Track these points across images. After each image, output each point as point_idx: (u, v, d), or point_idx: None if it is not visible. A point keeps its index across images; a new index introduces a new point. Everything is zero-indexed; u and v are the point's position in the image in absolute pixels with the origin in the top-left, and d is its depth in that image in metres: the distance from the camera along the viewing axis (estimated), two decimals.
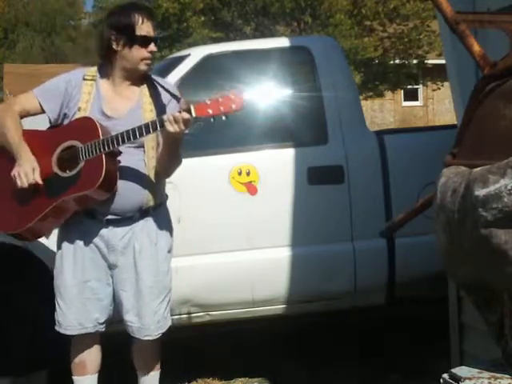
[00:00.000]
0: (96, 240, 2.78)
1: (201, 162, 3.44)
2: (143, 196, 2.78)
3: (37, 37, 31.38)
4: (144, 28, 2.75)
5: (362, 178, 3.60)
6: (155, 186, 2.82)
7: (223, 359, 3.91)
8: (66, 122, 2.81)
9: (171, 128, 2.57)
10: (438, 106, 22.90)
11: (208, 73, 3.60)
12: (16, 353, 3.29)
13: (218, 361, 3.87)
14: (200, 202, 3.44)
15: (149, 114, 2.77)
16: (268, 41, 4.33)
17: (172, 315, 3.00)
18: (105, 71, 2.84)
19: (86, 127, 2.70)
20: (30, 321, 3.29)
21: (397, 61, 16.27)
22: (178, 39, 14.78)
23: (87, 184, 2.63)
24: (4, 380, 3.27)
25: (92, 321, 2.82)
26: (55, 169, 2.70)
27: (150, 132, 2.63)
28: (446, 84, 13.76)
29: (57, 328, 2.84)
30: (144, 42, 2.75)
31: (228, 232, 3.48)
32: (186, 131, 2.62)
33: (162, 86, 2.84)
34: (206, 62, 3.62)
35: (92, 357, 2.90)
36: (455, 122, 3.20)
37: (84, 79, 2.82)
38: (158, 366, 2.97)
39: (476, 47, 2.11)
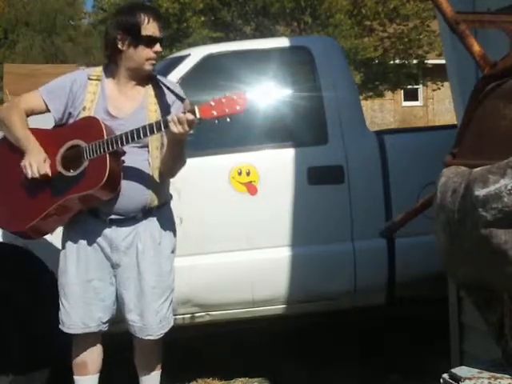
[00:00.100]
0: (99, 239, 2.79)
1: (201, 162, 3.44)
2: (147, 196, 2.79)
3: (37, 37, 31.36)
4: (150, 28, 2.76)
5: (361, 178, 3.60)
6: (159, 186, 2.82)
7: (223, 359, 3.91)
8: (71, 121, 2.82)
9: (175, 129, 2.58)
10: (438, 105, 22.90)
11: (208, 73, 3.60)
12: (16, 353, 3.29)
13: (217, 361, 3.87)
14: (200, 202, 3.44)
15: (153, 115, 2.78)
16: (268, 41, 4.33)
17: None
18: (110, 71, 2.85)
19: (90, 127, 2.71)
20: (30, 321, 3.29)
21: (397, 61, 16.26)
22: (178, 39, 14.77)
23: (91, 183, 2.64)
24: (4, 380, 3.28)
25: (95, 320, 2.82)
26: (59, 168, 2.72)
27: (153, 132, 2.63)
28: (446, 84, 13.76)
29: (60, 327, 2.85)
30: (149, 42, 2.76)
31: (228, 232, 3.48)
32: (191, 132, 2.63)
33: (167, 87, 2.85)
34: (206, 62, 3.62)
35: (93, 357, 2.91)
36: (455, 122, 3.20)
37: (89, 79, 2.83)
38: (160, 366, 2.98)
39: (476, 47, 2.10)
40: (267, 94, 3.69)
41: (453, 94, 3.14)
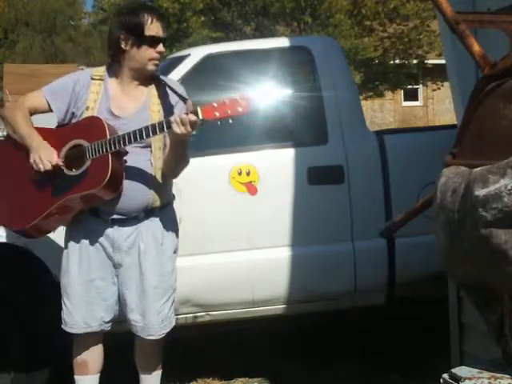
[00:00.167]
0: (101, 239, 2.79)
1: (201, 162, 3.44)
2: (149, 196, 2.79)
3: (37, 37, 31.34)
4: (153, 28, 2.77)
5: (361, 178, 3.60)
6: (161, 186, 2.82)
7: (223, 359, 3.92)
8: (74, 120, 2.83)
9: (178, 130, 2.58)
10: (438, 105, 22.89)
11: (208, 73, 3.60)
12: (16, 352, 3.29)
13: (217, 361, 3.87)
14: (200, 202, 3.44)
15: (156, 115, 2.79)
16: (268, 41, 4.33)
17: None
18: (113, 71, 2.86)
19: (93, 126, 2.71)
20: (30, 321, 3.29)
21: (397, 61, 16.25)
22: (178, 39, 14.77)
23: (93, 183, 2.65)
24: (5, 378, 3.28)
25: (97, 319, 2.83)
26: (62, 167, 2.72)
27: (156, 133, 2.64)
28: (446, 84, 13.76)
29: (63, 326, 2.85)
30: (152, 42, 2.77)
31: (228, 232, 3.48)
32: (194, 132, 2.63)
33: (170, 87, 2.85)
34: (206, 62, 3.62)
35: (94, 356, 2.91)
36: (455, 122, 3.20)
37: (92, 79, 2.84)
38: (160, 365, 2.98)
39: (476, 47, 2.10)
40: (267, 94, 3.68)
41: (453, 94, 3.14)
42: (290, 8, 14.52)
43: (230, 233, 3.48)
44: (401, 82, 16.99)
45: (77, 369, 2.92)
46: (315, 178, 3.54)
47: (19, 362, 3.29)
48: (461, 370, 1.96)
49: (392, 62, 16.20)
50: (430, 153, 3.00)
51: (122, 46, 2.77)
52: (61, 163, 2.71)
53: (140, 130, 2.62)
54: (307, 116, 3.71)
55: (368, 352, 3.97)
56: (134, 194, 2.76)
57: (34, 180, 2.75)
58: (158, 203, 2.82)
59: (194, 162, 3.17)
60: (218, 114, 2.55)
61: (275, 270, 3.52)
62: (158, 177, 2.81)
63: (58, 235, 3.09)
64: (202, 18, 14.77)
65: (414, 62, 16.36)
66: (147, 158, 2.79)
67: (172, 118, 2.60)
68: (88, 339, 2.87)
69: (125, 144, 2.65)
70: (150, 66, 2.80)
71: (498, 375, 1.90)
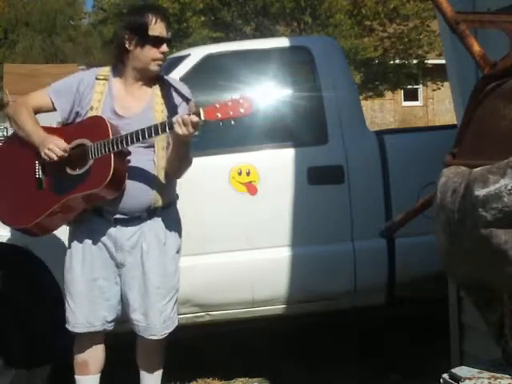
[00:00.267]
0: (104, 239, 2.80)
1: (201, 161, 3.43)
2: (151, 196, 2.79)
3: (37, 37, 31.36)
4: (157, 28, 2.78)
5: (362, 178, 3.60)
6: (164, 186, 2.83)
7: (223, 359, 3.92)
8: (78, 120, 2.84)
9: (180, 130, 2.58)
10: (438, 105, 22.89)
11: (208, 73, 3.60)
12: (16, 352, 3.30)
13: (217, 361, 3.87)
14: (200, 202, 3.44)
15: (160, 115, 2.79)
16: (268, 41, 4.33)
17: None
18: (118, 71, 2.87)
19: (96, 126, 2.72)
20: (30, 321, 3.29)
21: (397, 61, 16.26)
22: (178, 39, 14.77)
23: (95, 182, 2.66)
24: (4, 379, 3.28)
25: (100, 319, 2.83)
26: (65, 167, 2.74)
27: (158, 133, 2.64)
28: (446, 84, 13.76)
29: (66, 326, 2.85)
30: (156, 42, 2.77)
31: (228, 232, 3.48)
32: (196, 133, 2.63)
33: (175, 87, 2.85)
34: (206, 62, 3.62)
35: (95, 356, 2.91)
36: (455, 122, 3.20)
37: (97, 79, 2.85)
38: (162, 366, 2.98)
39: (476, 47, 2.10)
40: (267, 94, 3.68)
41: (453, 94, 3.14)
42: (290, 8, 14.53)
43: (230, 233, 3.48)
44: (401, 81, 17.00)
45: (77, 368, 2.92)
46: (315, 177, 3.54)
47: (19, 361, 3.29)
48: (461, 370, 1.96)
49: (392, 62, 16.22)
50: (430, 153, 3.00)
51: (126, 45, 2.78)
52: (68, 148, 2.72)
53: (142, 131, 2.63)
54: (307, 116, 3.71)
55: (368, 352, 3.97)
56: (137, 193, 2.76)
57: (37, 179, 2.77)
58: (160, 203, 2.83)
59: (194, 162, 3.17)
60: (219, 115, 2.55)
61: (275, 270, 3.52)
62: (161, 177, 2.81)
63: (58, 235, 3.09)
64: (202, 18, 14.78)
65: (414, 62, 16.37)
66: (150, 158, 2.79)
67: (174, 119, 2.60)
68: (90, 339, 2.87)
69: (127, 144, 2.65)
70: (154, 66, 2.80)
71: (498, 375, 1.90)
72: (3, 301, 3.25)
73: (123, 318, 2.88)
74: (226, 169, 3.48)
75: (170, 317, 2.87)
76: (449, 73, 3.17)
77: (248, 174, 3.48)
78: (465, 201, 1.82)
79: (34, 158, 2.79)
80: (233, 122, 2.57)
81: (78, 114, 2.83)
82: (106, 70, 2.89)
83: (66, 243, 2.93)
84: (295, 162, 3.54)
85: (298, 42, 4.15)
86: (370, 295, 3.64)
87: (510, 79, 1.97)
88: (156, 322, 2.82)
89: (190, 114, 2.58)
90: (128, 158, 2.74)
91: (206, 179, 3.48)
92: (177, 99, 2.83)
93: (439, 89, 17.52)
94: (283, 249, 3.53)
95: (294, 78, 3.82)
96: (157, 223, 2.83)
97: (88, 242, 2.80)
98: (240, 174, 3.48)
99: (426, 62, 16.40)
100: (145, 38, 2.76)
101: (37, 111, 2.85)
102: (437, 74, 16.29)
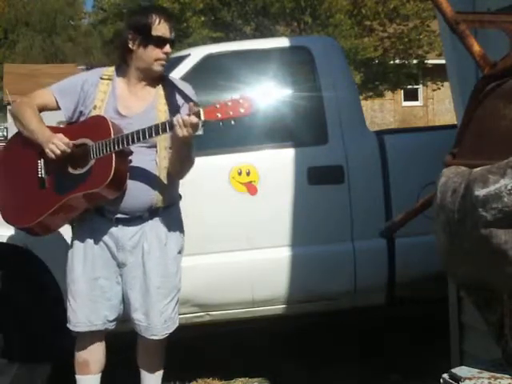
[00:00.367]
0: (105, 238, 2.80)
1: (201, 162, 3.43)
2: (152, 196, 2.80)
3: (37, 37, 31.37)
4: (160, 29, 2.78)
5: (362, 178, 3.60)
6: (166, 186, 2.83)
7: (223, 359, 3.92)
8: (82, 119, 2.85)
9: (180, 131, 2.58)
10: (438, 105, 22.89)
11: (208, 73, 3.60)
12: (16, 352, 3.30)
13: (217, 361, 3.87)
14: (200, 202, 3.44)
15: (163, 115, 2.80)
16: (268, 41, 4.33)
17: None
18: (121, 71, 2.88)
19: (98, 126, 2.73)
20: (30, 320, 3.29)
21: (397, 61, 16.25)
22: (178, 39, 14.75)
23: (96, 182, 2.67)
24: (4, 379, 3.28)
25: (101, 318, 2.83)
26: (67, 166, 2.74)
27: (158, 133, 2.64)
28: (446, 84, 13.75)
29: (67, 325, 2.85)
30: (159, 42, 2.78)
31: (228, 232, 3.48)
32: (199, 132, 2.63)
33: (178, 88, 2.85)
34: (206, 62, 3.62)
35: (96, 356, 2.91)
36: (455, 122, 3.20)
37: (101, 78, 2.86)
38: (162, 366, 2.98)
39: (476, 47, 2.10)
40: (267, 94, 3.68)
41: (453, 94, 3.14)
42: (290, 8, 14.52)
43: (230, 233, 3.48)
44: (401, 82, 16.99)
45: (78, 368, 2.92)
46: (315, 177, 3.54)
47: (19, 361, 3.29)
48: (461, 370, 1.96)
49: (392, 62, 16.20)
50: (430, 153, 3.00)
51: (130, 45, 2.79)
52: (72, 144, 2.72)
53: (143, 130, 2.63)
54: (307, 116, 3.71)
55: (368, 352, 3.97)
56: (138, 193, 2.76)
57: (39, 178, 2.78)
58: (161, 203, 2.83)
59: (194, 162, 3.17)
60: (219, 115, 2.55)
61: (275, 270, 3.52)
62: (163, 177, 2.81)
63: (58, 235, 3.09)
64: (202, 18, 14.76)
65: (414, 62, 16.36)
66: (152, 158, 2.79)
67: (174, 119, 2.60)
68: (91, 338, 2.87)
69: (128, 144, 2.65)
70: (157, 67, 2.81)
71: (498, 375, 1.90)
72: (3, 301, 3.26)
73: (125, 318, 2.88)
74: (226, 169, 3.48)
75: (171, 317, 2.87)
76: (449, 73, 3.17)
77: (248, 174, 3.48)
78: (465, 201, 1.82)
79: (36, 158, 2.79)
80: (233, 122, 2.56)
81: (81, 113, 2.84)
82: (110, 70, 2.90)
83: (66, 243, 2.93)
84: (295, 161, 3.54)
85: (298, 41, 4.15)
86: (370, 295, 3.64)
87: (510, 79, 1.97)
88: (157, 322, 2.82)
89: (189, 115, 2.58)
90: (130, 157, 2.74)
91: (205, 179, 3.47)
92: (180, 100, 2.83)
93: (439, 89, 17.52)
94: (283, 249, 3.53)
95: (294, 78, 3.82)
96: (158, 223, 2.83)
97: (90, 241, 2.81)
98: (240, 174, 3.48)
99: (425, 61, 16.39)
100: (148, 38, 2.76)
101: (41, 110, 2.86)
102: (437, 73, 16.29)
